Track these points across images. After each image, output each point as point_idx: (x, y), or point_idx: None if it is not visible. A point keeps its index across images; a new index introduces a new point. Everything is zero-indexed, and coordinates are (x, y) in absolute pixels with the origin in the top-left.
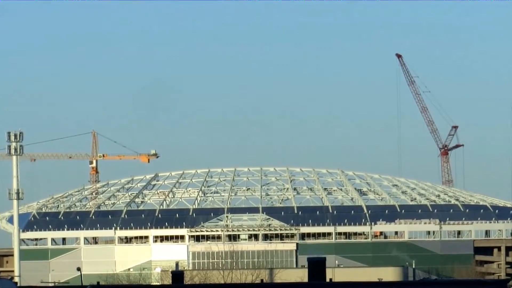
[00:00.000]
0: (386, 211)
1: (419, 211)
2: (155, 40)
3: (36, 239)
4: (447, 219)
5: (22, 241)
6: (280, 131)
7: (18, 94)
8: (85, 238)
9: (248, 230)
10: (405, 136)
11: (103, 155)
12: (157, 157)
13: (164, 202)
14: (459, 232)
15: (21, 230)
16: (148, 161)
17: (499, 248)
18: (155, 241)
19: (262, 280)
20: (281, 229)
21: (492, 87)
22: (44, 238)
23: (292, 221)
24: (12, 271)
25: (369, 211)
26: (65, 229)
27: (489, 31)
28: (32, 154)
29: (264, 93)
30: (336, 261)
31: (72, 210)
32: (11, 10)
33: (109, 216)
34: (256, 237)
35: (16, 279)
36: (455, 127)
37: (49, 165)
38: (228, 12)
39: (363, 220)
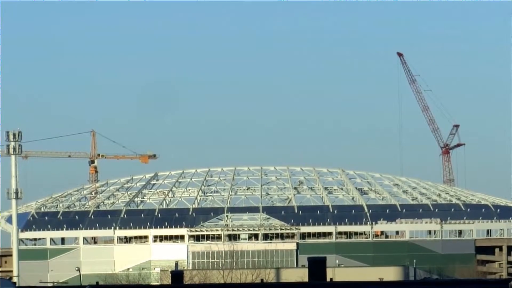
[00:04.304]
0: (387, 211)
1: (420, 210)
2: (156, 40)
3: (35, 239)
4: (448, 218)
5: (21, 241)
6: (280, 131)
7: (18, 93)
8: (84, 238)
9: (248, 230)
10: (406, 135)
11: (101, 155)
12: (156, 157)
13: (164, 201)
14: (460, 232)
15: (20, 230)
16: (147, 162)
17: (500, 248)
18: (155, 241)
19: (262, 280)
20: (281, 229)
21: (493, 86)
22: (43, 238)
23: (292, 221)
24: (11, 271)
25: (370, 211)
26: (64, 229)
27: (489, 31)
28: (29, 152)
29: (264, 93)
30: (337, 261)
31: (71, 209)
32: (11, 10)
33: (108, 216)
34: (256, 236)
35: (15, 279)
36: (457, 126)
37: (48, 164)
38: (228, 12)
39: (364, 220)
